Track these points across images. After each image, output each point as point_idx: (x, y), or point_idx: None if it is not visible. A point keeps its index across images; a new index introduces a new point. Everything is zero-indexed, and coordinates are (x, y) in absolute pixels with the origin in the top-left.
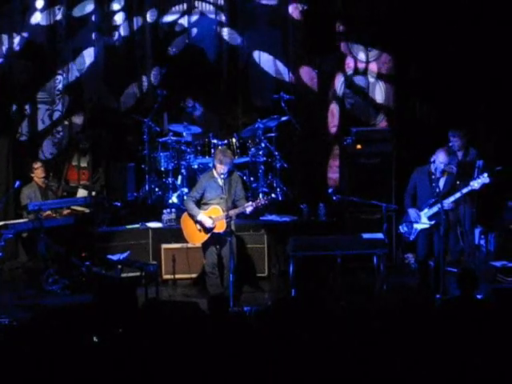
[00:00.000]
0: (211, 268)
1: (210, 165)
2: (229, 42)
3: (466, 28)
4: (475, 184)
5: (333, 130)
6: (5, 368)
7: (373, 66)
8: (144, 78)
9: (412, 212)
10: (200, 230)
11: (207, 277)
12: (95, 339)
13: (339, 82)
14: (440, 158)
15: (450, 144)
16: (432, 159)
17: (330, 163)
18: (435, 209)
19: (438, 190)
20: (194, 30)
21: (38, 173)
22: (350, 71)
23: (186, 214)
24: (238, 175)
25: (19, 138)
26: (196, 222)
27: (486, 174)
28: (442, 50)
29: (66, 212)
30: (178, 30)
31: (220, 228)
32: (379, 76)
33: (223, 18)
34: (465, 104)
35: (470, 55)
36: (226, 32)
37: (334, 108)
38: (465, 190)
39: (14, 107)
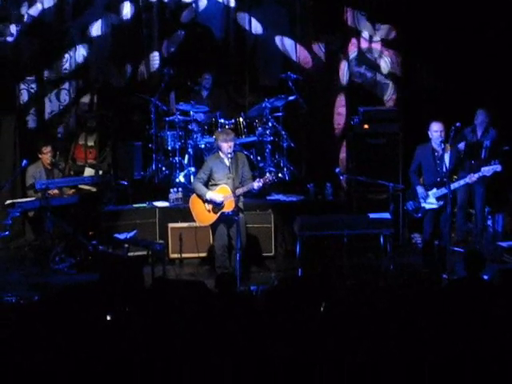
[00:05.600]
0: (221, 250)
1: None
2: (236, 19)
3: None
4: (486, 170)
5: (341, 110)
6: (12, 346)
7: (382, 47)
8: (151, 57)
9: (420, 190)
10: (209, 211)
11: (217, 258)
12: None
13: (347, 62)
14: (434, 127)
15: (476, 121)
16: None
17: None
18: (444, 190)
19: (445, 170)
20: (202, 9)
21: (46, 158)
22: (354, 52)
23: (194, 195)
24: (244, 155)
25: (26, 117)
26: (205, 201)
27: (498, 162)
28: (450, 26)
29: (72, 191)
30: (186, 8)
31: (229, 207)
32: (387, 44)
33: None
34: (473, 84)
35: (480, 30)
36: (233, 11)
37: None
38: (475, 177)
39: (21, 86)
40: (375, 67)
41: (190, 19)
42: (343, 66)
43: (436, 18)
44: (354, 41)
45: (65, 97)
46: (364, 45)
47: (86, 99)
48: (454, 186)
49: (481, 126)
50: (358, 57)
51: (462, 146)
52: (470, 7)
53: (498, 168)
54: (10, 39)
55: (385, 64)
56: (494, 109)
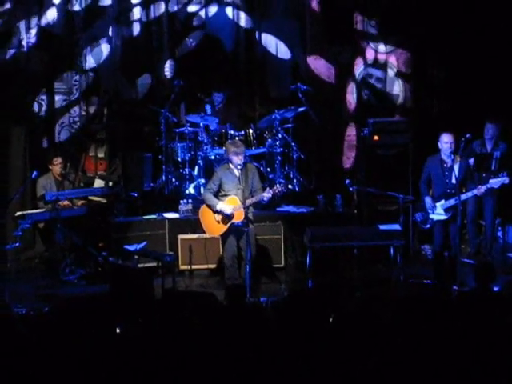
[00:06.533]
0: (231, 261)
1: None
2: (246, 29)
3: (484, 21)
4: (494, 183)
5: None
6: (21, 358)
7: (391, 58)
8: (161, 69)
9: (428, 201)
10: (219, 222)
11: (226, 269)
12: (118, 330)
13: (357, 73)
14: (444, 138)
15: (485, 135)
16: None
17: (347, 154)
18: (452, 201)
19: (454, 182)
20: (212, 21)
21: (57, 169)
22: (368, 61)
23: (204, 206)
24: (254, 166)
25: (36, 128)
26: (215, 212)
27: (506, 174)
28: (460, 43)
29: (82, 202)
30: (196, 20)
31: (238, 218)
32: (398, 74)
33: (240, 8)
34: (481, 98)
35: (489, 48)
36: (243, 22)
37: (351, 98)
38: (482, 189)
39: (31, 97)
40: (389, 98)
41: (200, 32)
42: (355, 75)
43: (445, 29)
44: (366, 52)
45: (75, 108)
46: (372, 56)
47: (91, 109)
48: (462, 197)
49: (490, 141)
50: (367, 75)
51: (472, 161)
52: (477, 17)
53: (506, 180)
54: (12, 51)
55: (398, 85)
56: (503, 121)
